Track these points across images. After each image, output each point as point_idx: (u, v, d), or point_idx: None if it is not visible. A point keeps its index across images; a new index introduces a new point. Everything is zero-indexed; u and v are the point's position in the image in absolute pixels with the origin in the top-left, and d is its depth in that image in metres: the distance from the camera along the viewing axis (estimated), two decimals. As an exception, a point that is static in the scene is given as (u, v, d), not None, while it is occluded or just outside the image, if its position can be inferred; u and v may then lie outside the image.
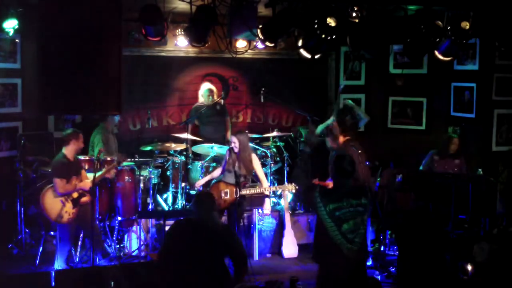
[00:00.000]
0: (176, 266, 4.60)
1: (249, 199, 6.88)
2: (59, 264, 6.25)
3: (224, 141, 7.83)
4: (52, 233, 6.80)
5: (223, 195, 6.59)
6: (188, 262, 4.56)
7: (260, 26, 5.83)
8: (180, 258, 4.61)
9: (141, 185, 7.09)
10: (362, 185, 4.68)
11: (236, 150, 6.56)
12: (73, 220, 6.20)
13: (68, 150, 6.20)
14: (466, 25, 6.02)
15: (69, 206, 6.16)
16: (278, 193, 7.77)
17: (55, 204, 6.14)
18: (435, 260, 4.42)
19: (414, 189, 4.55)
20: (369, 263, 6.65)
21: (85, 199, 6.30)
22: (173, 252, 4.67)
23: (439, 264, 4.46)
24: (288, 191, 6.94)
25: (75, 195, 6.21)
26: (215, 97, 7.97)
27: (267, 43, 5.99)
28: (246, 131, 6.91)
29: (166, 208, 7.44)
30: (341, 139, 6.71)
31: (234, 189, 6.53)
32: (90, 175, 6.27)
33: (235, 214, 6.61)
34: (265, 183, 6.78)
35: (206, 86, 8.06)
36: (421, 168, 7.41)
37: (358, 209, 4.50)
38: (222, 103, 8.02)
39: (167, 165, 7.56)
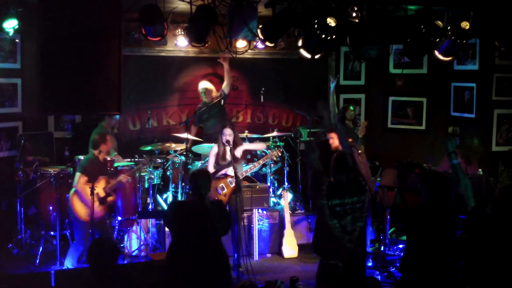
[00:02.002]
0: (175, 247, 4.67)
1: (249, 199, 6.89)
2: (70, 262, 6.31)
3: None
4: (52, 233, 6.80)
5: (220, 190, 6.57)
6: (186, 241, 4.60)
7: (260, 26, 5.83)
8: (178, 238, 4.67)
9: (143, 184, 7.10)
10: (360, 182, 4.77)
11: (231, 143, 6.51)
12: (99, 217, 6.27)
13: (98, 152, 6.37)
14: (466, 25, 6.02)
15: (96, 204, 6.22)
16: (279, 193, 7.78)
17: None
18: (443, 258, 4.43)
19: (425, 184, 4.54)
20: (370, 264, 6.65)
21: (111, 198, 6.43)
22: (175, 232, 4.73)
23: (446, 262, 4.46)
24: (275, 157, 7.03)
25: (102, 194, 6.31)
26: (213, 94, 7.96)
27: (267, 43, 5.98)
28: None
29: (166, 208, 7.44)
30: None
31: (228, 179, 6.53)
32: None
33: (235, 205, 6.58)
34: (261, 145, 6.96)
35: (201, 85, 8.03)
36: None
37: (356, 205, 4.65)
38: (219, 98, 7.98)
39: (167, 165, 7.56)
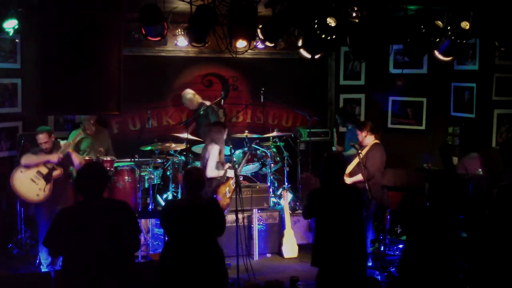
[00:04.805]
0: (170, 246, 4.66)
1: (249, 199, 6.89)
2: (43, 263, 6.23)
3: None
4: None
5: (228, 194, 6.59)
6: (182, 240, 4.56)
7: (260, 26, 5.83)
8: (173, 237, 4.65)
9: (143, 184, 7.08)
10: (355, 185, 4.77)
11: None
12: (50, 197, 6.09)
13: None
14: (466, 25, 6.02)
15: (41, 183, 6.09)
16: (279, 193, 7.78)
17: (27, 184, 6.08)
18: (443, 262, 4.44)
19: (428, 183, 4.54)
20: (369, 263, 6.65)
21: (56, 173, 6.19)
22: (171, 231, 4.70)
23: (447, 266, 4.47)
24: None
25: (44, 170, 6.12)
26: (195, 102, 8.07)
27: (267, 43, 5.98)
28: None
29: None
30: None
31: (230, 182, 6.60)
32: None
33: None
34: None
35: (182, 96, 8.13)
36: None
37: (350, 208, 4.62)
38: (207, 106, 8.02)
39: (167, 165, 7.56)
